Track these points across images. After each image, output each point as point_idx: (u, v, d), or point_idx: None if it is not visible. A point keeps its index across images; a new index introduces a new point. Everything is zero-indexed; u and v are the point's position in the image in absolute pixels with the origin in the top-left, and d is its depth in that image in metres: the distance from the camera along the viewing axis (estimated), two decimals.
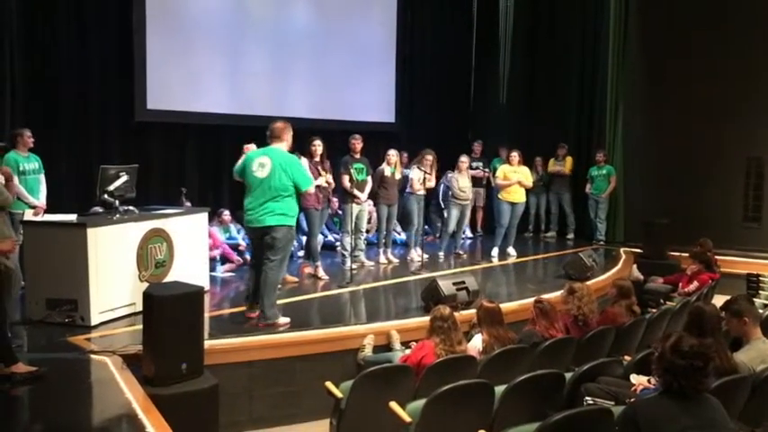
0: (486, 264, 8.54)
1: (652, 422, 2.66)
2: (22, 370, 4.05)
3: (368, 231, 8.36)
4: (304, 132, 7.91)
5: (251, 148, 5.71)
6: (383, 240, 8.45)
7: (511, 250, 9.03)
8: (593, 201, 10.34)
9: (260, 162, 5.30)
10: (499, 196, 8.97)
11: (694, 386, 2.70)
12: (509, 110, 11.79)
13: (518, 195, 8.87)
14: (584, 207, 10.67)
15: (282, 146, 5.40)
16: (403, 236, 9.59)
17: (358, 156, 7.79)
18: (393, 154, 8.19)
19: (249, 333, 5.20)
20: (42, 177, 6.43)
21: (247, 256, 7.38)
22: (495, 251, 8.93)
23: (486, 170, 10.33)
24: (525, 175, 8.91)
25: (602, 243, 10.21)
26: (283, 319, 5.45)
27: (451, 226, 8.69)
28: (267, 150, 5.38)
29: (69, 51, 7.64)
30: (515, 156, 8.88)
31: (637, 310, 5.50)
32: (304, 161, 6.16)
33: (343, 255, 7.69)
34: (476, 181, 10.17)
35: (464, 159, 8.78)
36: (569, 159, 10.60)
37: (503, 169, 9.01)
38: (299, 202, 7.15)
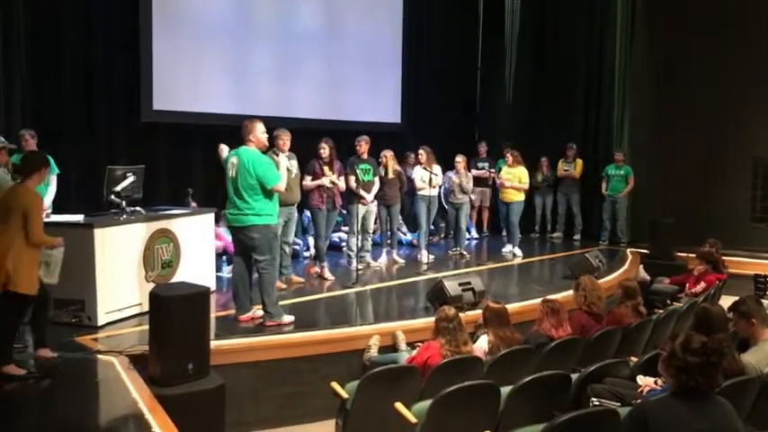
0: (493, 264, 8.53)
1: (662, 424, 2.64)
2: (14, 372, 4.07)
3: (374, 232, 8.37)
4: (310, 133, 7.94)
5: (223, 148, 5.81)
6: (387, 241, 8.46)
7: (517, 251, 9.04)
8: (610, 201, 10.27)
9: (231, 162, 5.39)
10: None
11: (709, 382, 2.68)
12: (515, 110, 11.77)
13: (509, 195, 9.06)
14: (590, 208, 10.66)
15: (251, 144, 5.41)
16: (409, 236, 9.61)
17: (365, 157, 7.80)
18: (383, 154, 8.17)
19: (255, 333, 5.21)
20: (53, 178, 6.45)
21: None
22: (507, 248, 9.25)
23: (492, 170, 10.32)
24: (518, 176, 9.02)
25: (623, 244, 10.16)
26: (288, 318, 5.47)
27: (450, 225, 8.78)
28: (237, 150, 5.43)
29: (75, 52, 7.67)
30: (509, 157, 9.08)
31: (643, 310, 5.49)
32: (283, 158, 6.11)
33: (349, 255, 7.70)
34: (482, 181, 10.19)
35: (458, 159, 8.85)
36: (579, 162, 10.57)
37: (503, 170, 9.28)
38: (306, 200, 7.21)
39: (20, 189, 4.23)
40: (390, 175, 8.13)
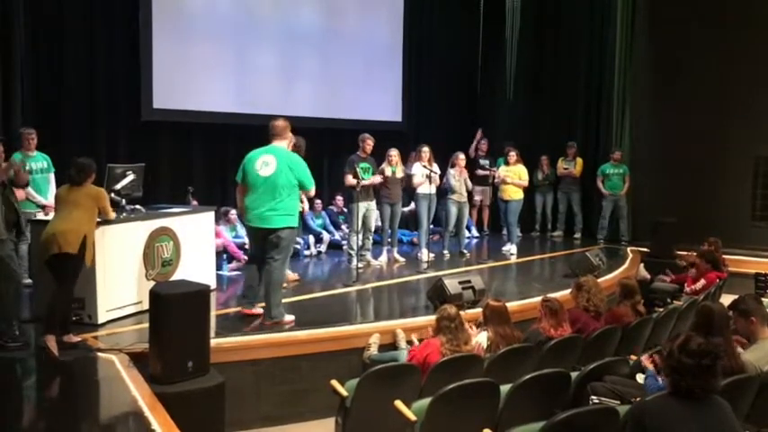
0: (493, 263, 8.53)
1: (659, 424, 2.64)
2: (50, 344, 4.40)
3: (375, 231, 8.38)
4: (310, 132, 7.89)
5: None
6: (388, 239, 8.47)
7: (512, 248, 9.05)
8: (612, 200, 10.23)
9: (264, 160, 5.30)
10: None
11: (702, 386, 2.67)
12: (516, 108, 11.76)
13: (508, 193, 9.02)
14: (591, 206, 10.64)
15: (284, 144, 5.43)
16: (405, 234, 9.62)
17: (366, 155, 7.81)
18: (394, 154, 8.20)
19: (255, 332, 5.22)
20: (52, 176, 6.46)
21: None
22: (507, 247, 9.16)
23: (493, 168, 10.32)
24: (518, 174, 9.00)
25: (624, 242, 10.14)
26: (288, 317, 5.47)
27: (450, 224, 8.74)
28: (270, 149, 5.38)
29: (76, 50, 7.67)
30: (513, 155, 9.05)
31: (641, 309, 5.48)
32: None
33: (350, 254, 7.70)
34: (482, 180, 10.19)
35: (461, 156, 8.85)
36: (579, 161, 10.57)
37: (501, 168, 9.23)
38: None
39: (87, 190, 4.87)
40: (399, 174, 8.15)
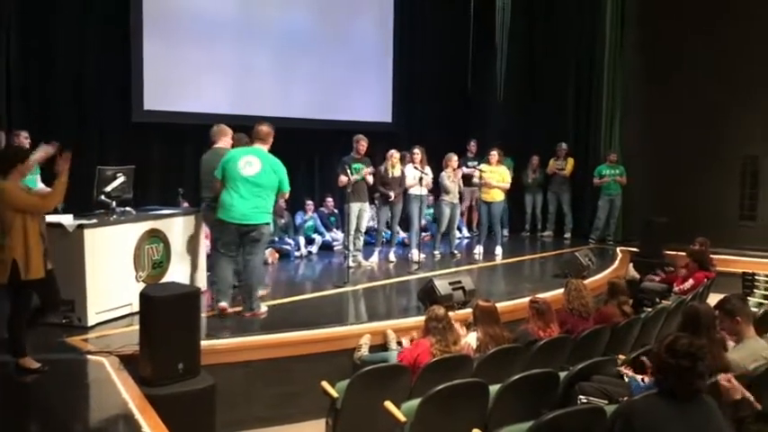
0: (483, 263, 8.56)
1: (645, 423, 2.67)
2: (29, 365, 4.16)
3: (366, 232, 8.40)
4: (302, 133, 7.94)
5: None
6: (381, 240, 8.48)
7: (497, 250, 9.04)
8: (608, 200, 10.26)
9: (247, 160, 5.46)
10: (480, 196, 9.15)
11: (685, 387, 2.70)
12: (506, 109, 11.80)
13: (491, 195, 8.93)
14: (581, 206, 10.68)
15: (266, 148, 5.63)
16: (402, 235, 9.62)
17: (359, 156, 7.83)
18: (390, 154, 8.23)
19: (246, 333, 5.22)
20: (38, 178, 6.42)
21: None
22: (478, 249, 9.05)
23: (475, 164, 10.30)
24: (501, 175, 8.92)
25: (610, 243, 10.19)
26: (263, 308, 5.70)
27: (443, 225, 8.76)
28: (254, 150, 5.56)
29: (67, 51, 7.66)
30: (494, 155, 8.96)
31: (627, 309, 5.51)
32: None
33: (343, 254, 7.71)
34: (471, 180, 10.19)
35: (454, 158, 8.82)
36: (571, 161, 10.61)
37: (482, 169, 9.11)
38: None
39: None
40: (396, 174, 8.16)
